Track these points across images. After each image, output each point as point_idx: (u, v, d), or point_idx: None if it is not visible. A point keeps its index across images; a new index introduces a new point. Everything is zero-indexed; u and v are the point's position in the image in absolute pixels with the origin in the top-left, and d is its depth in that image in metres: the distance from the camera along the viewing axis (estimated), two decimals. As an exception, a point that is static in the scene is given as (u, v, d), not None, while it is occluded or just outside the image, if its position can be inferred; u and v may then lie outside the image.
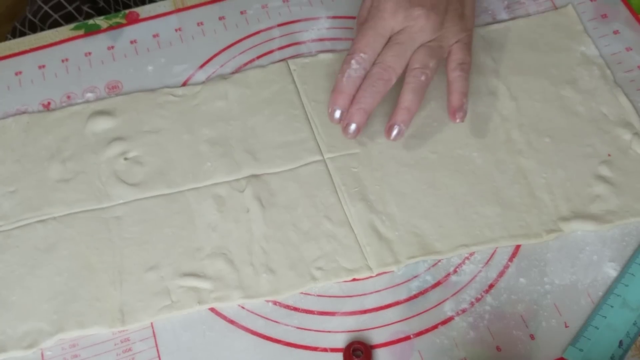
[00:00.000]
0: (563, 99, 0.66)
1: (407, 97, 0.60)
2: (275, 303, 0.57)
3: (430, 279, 0.58)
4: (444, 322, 0.56)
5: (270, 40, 0.72)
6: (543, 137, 0.64)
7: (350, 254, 0.59)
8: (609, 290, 0.56)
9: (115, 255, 0.59)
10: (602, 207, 0.60)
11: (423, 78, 0.60)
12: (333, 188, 0.62)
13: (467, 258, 0.59)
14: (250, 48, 0.71)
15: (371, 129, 0.65)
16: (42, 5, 0.85)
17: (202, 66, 0.70)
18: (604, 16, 0.72)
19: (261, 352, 0.55)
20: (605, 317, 0.55)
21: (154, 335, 0.56)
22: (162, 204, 0.62)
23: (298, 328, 0.56)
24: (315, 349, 0.55)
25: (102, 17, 0.74)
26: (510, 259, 0.59)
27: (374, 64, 0.60)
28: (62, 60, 0.71)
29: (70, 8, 0.85)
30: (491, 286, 0.57)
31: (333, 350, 0.55)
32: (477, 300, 0.57)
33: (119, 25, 0.73)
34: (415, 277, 0.58)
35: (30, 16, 0.86)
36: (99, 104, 0.67)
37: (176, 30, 0.73)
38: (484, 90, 0.67)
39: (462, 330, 0.56)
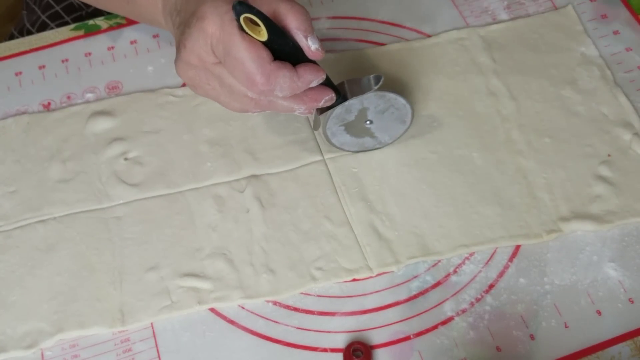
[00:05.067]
0: (563, 99, 0.66)
1: None
2: (275, 303, 0.57)
3: (430, 279, 0.58)
4: (444, 322, 0.56)
5: (270, 40, 0.72)
6: (543, 137, 0.64)
7: (350, 254, 0.59)
8: None
9: (115, 255, 0.59)
10: (602, 207, 0.60)
11: None
12: (333, 188, 0.62)
13: (467, 258, 0.59)
14: (250, 48, 0.71)
15: (371, 129, 0.65)
16: (41, 15, 0.85)
17: (202, 66, 0.70)
18: (604, 16, 0.72)
19: (261, 352, 0.55)
20: None
21: (154, 336, 0.56)
22: (162, 204, 0.62)
23: (298, 328, 0.56)
24: (315, 349, 0.55)
25: (102, 18, 0.74)
26: (510, 259, 0.59)
27: None
28: (62, 61, 0.71)
29: (67, 18, 0.85)
30: (491, 286, 0.57)
31: (333, 350, 0.55)
32: (477, 300, 0.57)
33: (119, 26, 0.73)
34: (415, 277, 0.58)
35: (28, 25, 0.86)
36: (99, 104, 0.67)
37: (176, 30, 0.73)
38: (483, 90, 0.67)
39: (462, 330, 0.56)
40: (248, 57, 0.49)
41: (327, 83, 0.55)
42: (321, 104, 0.55)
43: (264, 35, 0.49)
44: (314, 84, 0.53)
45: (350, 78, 0.59)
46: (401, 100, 0.59)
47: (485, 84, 0.67)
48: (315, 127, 0.61)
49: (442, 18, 0.72)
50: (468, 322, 0.56)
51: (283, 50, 0.51)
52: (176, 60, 0.54)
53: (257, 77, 0.50)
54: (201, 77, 0.54)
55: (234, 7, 0.48)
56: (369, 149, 0.63)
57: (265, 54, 0.50)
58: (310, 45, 0.51)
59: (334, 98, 0.55)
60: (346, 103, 0.57)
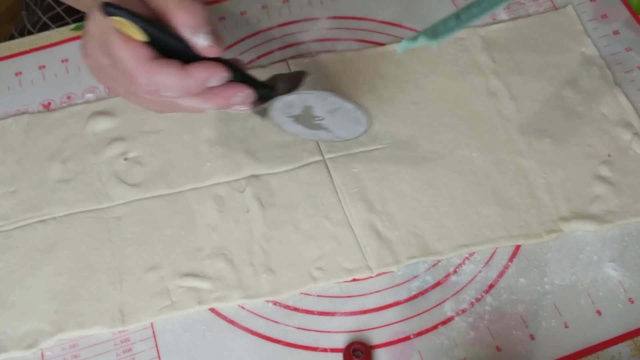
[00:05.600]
0: (563, 99, 0.66)
1: None
2: (275, 303, 0.57)
3: (430, 279, 0.58)
4: (444, 322, 0.56)
5: (270, 40, 0.72)
6: (543, 137, 0.64)
7: (350, 254, 0.59)
8: None
9: (115, 255, 0.59)
10: (602, 207, 0.60)
11: None
12: (333, 188, 0.62)
13: (467, 258, 0.59)
14: (251, 48, 0.71)
15: (371, 129, 0.65)
16: (42, 16, 0.85)
17: (202, 66, 0.70)
18: (604, 16, 0.72)
19: (261, 352, 0.55)
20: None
21: (154, 336, 0.56)
22: (162, 204, 0.62)
23: (298, 328, 0.56)
24: (315, 349, 0.55)
25: (102, 18, 0.74)
26: (510, 259, 0.59)
27: None
28: (62, 61, 0.71)
29: (69, 20, 0.85)
30: (491, 286, 0.57)
31: (333, 350, 0.55)
32: (477, 300, 0.57)
33: (119, 26, 0.73)
34: (415, 277, 0.58)
35: (29, 27, 0.86)
36: (99, 104, 0.67)
37: (176, 30, 0.72)
38: (483, 90, 0.67)
39: (462, 330, 0.56)
40: (126, 55, 0.47)
41: (243, 79, 0.51)
42: (233, 102, 0.51)
43: (141, 36, 0.46)
44: (214, 82, 0.49)
45: (282, 73, 0.56)
46: (348, 105, 0.56)
47: (485, 84, 0.67)
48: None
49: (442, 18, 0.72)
50: (468, 322, 0.56)
51: (174, 49, 0.48)
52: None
53: (138, 76, 0.47)
54: (109, 81, 0.51)
55: (102, 9, 0.45)
56: (328, 141, 0.62)
57: (145, 52, 0.47)
58: (197, 42, 0.48)
59: (252, 95, 0.51)
60: (285, 98, 0.54)
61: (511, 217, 0.60)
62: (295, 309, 0.57)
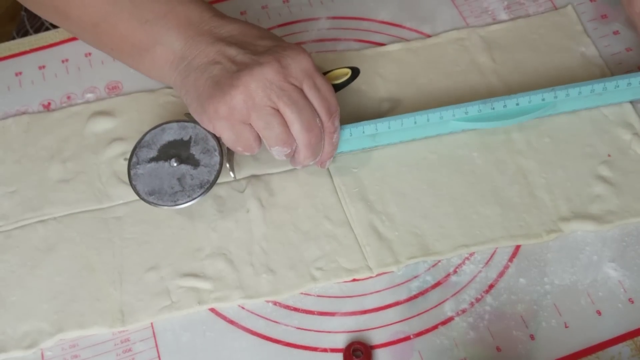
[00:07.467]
0: (563, 99, 0.66)
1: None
2: (275, 303, 0.57)
3: (430, 279, 0.58)
4: (444, 323, 0.56)
5: (270, 40, 0.72)
6: (543, 137, 0.64)
7: (350, 254, 0.59)
8: None
9: (115, 255, 0.59)
10: (602, 207, 0.60)
11: None
12: (333, 188, 0.62)
13: (467, 258, 0.59)
14: (250, 48, 0.71)
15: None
16: (45, 21, 0.85)
17: (202, 66, 0.70)
18: (604, 16, 0.72)
19: (261, 353, 0.55)
20: None
21: (154, 336, 0.56)
22: (162, 204, 0.62)
23: (298, 328, 0.56)
24: (315, 349, 0.55)
25: (102, 18, 0.74)
26: (510, 259, 0.59)
27: None
28: (62, 61, 0.71)
29: None
30: (491, 286, 0.57)
31: (333, 350, 0.55)
32: (477, 300, 0.57)
33: (119, 26, 0.73)
34: (415, 277, 0.58)
35: (29, 27, 0.86)
36: (99, 105, 0.67)
37: (176, 30, 0.72)
38: (484, 90, 0.67)
39: (462, 330, 0.56)
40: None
41: None
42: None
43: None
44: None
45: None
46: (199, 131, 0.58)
47: (486, 84, 0.67)
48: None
49: (442, 18, 0.72)
50: (468, 322, 0.56)
51: None
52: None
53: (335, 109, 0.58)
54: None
55: None
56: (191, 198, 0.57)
57: None
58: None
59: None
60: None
61: (511, 217, 0.60)
62: (295, 309, 0.57)
